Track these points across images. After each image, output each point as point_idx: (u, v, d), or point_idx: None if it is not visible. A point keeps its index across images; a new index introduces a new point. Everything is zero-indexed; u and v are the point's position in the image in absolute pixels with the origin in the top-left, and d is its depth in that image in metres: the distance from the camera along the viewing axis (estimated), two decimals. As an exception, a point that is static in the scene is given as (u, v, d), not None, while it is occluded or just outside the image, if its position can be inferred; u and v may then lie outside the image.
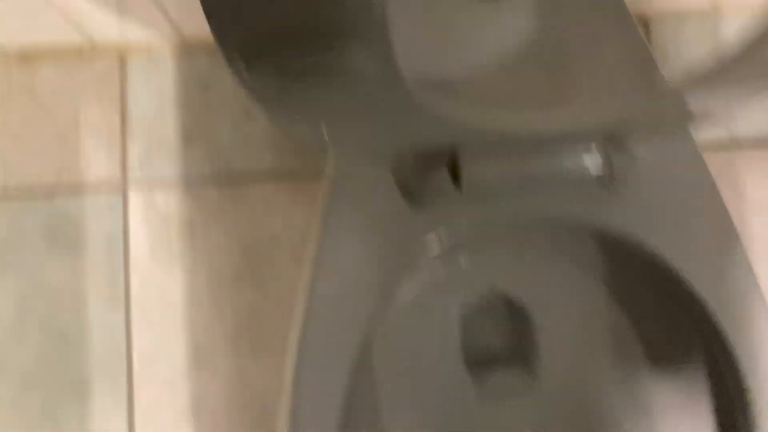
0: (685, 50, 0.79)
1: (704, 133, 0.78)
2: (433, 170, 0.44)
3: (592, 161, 0.44)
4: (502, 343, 0.59)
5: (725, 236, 0.47)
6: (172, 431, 0.73)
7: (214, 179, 0.76)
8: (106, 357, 0.74)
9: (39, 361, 0.74)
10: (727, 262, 0.47)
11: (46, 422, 0.73)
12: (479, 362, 0.58)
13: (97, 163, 0.76)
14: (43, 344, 0.74)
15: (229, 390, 0.74)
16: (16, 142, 0.76)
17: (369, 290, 0.45)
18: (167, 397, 0.74)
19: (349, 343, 0.45)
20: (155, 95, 0.77)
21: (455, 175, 0.44)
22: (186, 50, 0.77)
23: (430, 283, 0.57)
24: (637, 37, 0.52)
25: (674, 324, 0.50)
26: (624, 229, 0.46)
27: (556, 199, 0.45)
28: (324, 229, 0.46)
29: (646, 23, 0.79)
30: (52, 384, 0.74)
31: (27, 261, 0.75)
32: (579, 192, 0.45)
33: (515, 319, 0.58)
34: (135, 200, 0.76)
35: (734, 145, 0.78)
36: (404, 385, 0.55)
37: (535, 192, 0.45)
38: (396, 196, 0.45)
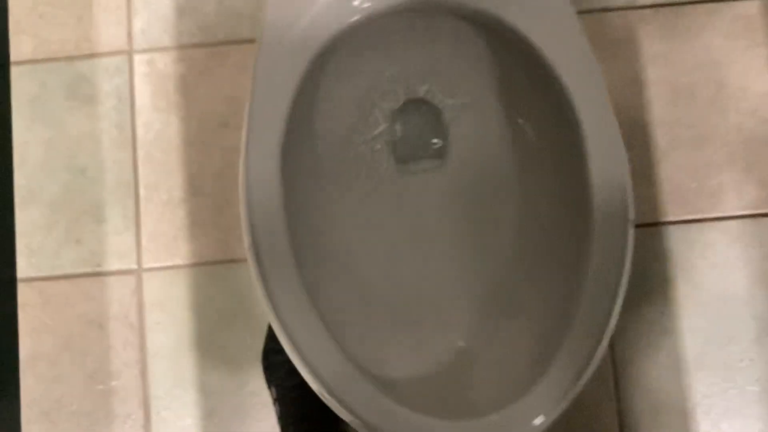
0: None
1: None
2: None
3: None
4: (421, 135, 0.75)
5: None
6: (173, 244, 0.90)
7: (202, 44, 0.93)
8: (117, 187, 0.91)
9: (63, 192, 0.91)
10: (564, 26, 0.62)
11: (70, 241, 0.90)
12: (404, 149, 0.75)
13: (107, 34, 0.93)
14: (67, 179, 0.91)
15: (218, 211, 0.90)
16: (43, 18, 0.94)
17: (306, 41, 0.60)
18: (167, 218, 0.90)
19: (289, 93, 0.61)
20: (154, -21, 0.94)
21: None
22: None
23: (366, 89, 0.74)
24: None
25: (539, 93, 0.66)
26: (484, 7, 0.61)
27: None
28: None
29: None
30: (74, 210, 0.91)
31: (52, 113, 0.92)
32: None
33: (431, 117, 0.75)
34: (138, 62, 0.93)
35: (633, 7, 0.93)
36: (340, 154, 0.71)
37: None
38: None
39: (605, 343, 0.59)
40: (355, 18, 0.61)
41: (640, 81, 0.92)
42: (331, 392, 0.57)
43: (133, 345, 0.88)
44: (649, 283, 0.89)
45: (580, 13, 0.90)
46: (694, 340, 0.88)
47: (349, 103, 0.72)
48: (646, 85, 0.92)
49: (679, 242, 0.89)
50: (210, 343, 0.88)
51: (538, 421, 0.57)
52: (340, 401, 0.57)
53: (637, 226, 0.88)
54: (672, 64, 0.92)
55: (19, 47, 0.93)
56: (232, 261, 0.89)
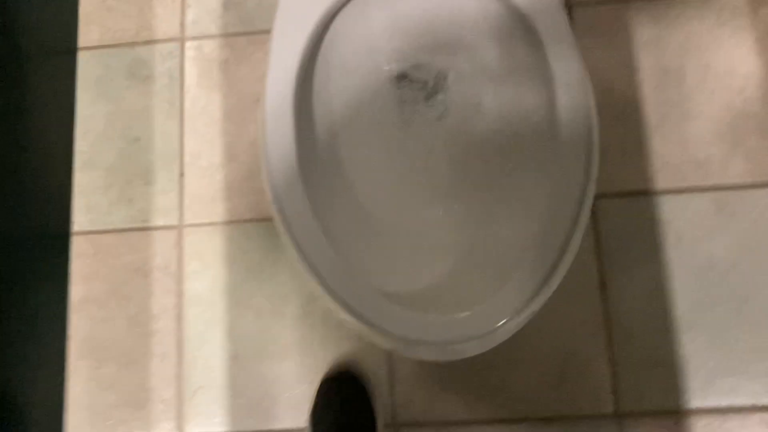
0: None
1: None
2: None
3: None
4: (423, 89, 0.85)
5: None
6: (210, 204, 1.01)
7: (243, 33, 1.06)
8: (165, 154, 1.04)
9: (119, 158, 1.04)
10: None
11: (122, 200, 1.03)
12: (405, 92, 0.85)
13: (164, 23, 1.08)
14: (122, 147, 1.04)
15: (251, 176, 1.02)
16: (110, 11, 1.09)
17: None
18: (207, 181, 1.02)
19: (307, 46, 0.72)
20: (205, -21, 1.09)
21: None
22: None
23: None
24: None
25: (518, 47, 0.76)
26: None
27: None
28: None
29: None
30: (127, 174, 1.03)
31: (113, 90, 1.06)
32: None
33: (435, 77, 0.85)
34: (189, 48, 1.06)
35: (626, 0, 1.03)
36: (350, 105, 0.82)
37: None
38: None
39: (567, 258, 0.67)
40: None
41: (633, 65, 1.01)
42: (330, 290, 0.66)
43: (172, 291, 0.99)
44: (641, 247, 0.96)
45: (578, 5, 1.01)
46: (682, 302, 0.93)
47: (361, 56, 0.82)
48: (638, 69, 1.00)
49: (669, 210, 0.96)
50: (239, 292, 0.98)
51: (501, 321, 0.64)
52: (338, 299, 0.66)
53: (630, 194, 0.96)
54: (662, 49, 1.00)
55: (88, 35, 1.08)
56: (263, 219, 1.00)
